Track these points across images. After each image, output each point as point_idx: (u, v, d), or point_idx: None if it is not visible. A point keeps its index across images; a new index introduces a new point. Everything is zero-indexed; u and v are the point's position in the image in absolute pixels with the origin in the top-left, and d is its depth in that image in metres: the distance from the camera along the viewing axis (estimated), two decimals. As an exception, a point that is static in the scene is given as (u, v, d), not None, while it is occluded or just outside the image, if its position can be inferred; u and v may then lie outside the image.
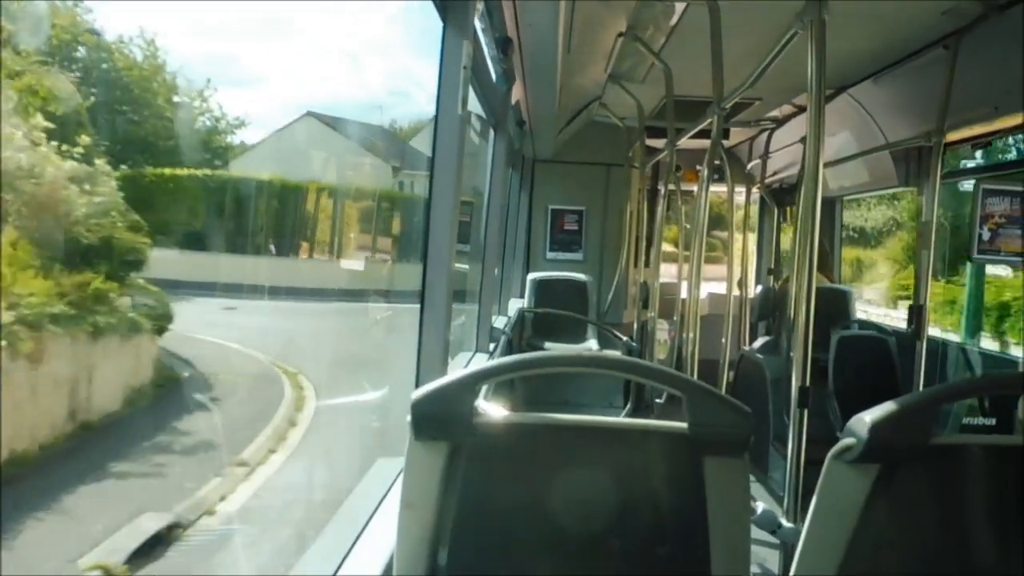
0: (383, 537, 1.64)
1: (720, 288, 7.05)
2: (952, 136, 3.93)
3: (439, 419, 1.27)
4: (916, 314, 3.95)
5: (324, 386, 6.60)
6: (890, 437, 1.19)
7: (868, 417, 1.19)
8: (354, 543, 1.69)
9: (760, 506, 1.84)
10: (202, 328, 6.56)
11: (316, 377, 6.66)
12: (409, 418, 1.26)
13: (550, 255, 7.31)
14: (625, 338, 5.73)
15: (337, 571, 1.59)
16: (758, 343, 5.79)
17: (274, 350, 6.83)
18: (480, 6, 2.46)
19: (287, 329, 7.48)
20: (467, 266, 4.90)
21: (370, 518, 1.80)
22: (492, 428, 1.29)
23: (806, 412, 2.48)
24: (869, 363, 4.61)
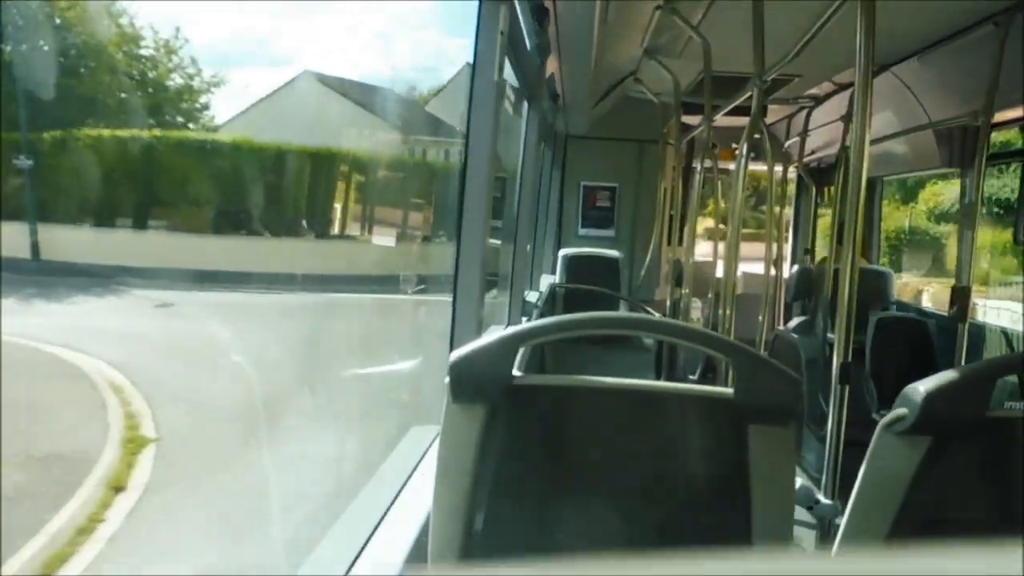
0: (418, 502, 1.65)
1: (752, 268, 6.97)
2: (1000, 116, 3.82)
3: (478, 381, 1.25)
4: (959, 296, 3.86)
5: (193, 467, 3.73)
6: (945, 408, 1.14)
7: (922, 387, 1.14)
8: (389, 507, 1.70)
9: (797, 482, 1.82)
10: (83, 339, 4.36)
11: (194, 439, 4.01)
12: (447, 380, 1.26)
13: (582, 231, 7.28)
14: (658, 315, 5.70)
15: (372, 534, 1.61)
16: (793, 323, 5.72)
17: (161, 382, 4.46)
18: None
19: (216, 340, 5.13)
20: (499, 241, 4.86)
21: (405, 483, 1.81)
22: (531, 391, 1.27)
23: (847, 389, 2.44)
24: (907, 346, 4.53)
